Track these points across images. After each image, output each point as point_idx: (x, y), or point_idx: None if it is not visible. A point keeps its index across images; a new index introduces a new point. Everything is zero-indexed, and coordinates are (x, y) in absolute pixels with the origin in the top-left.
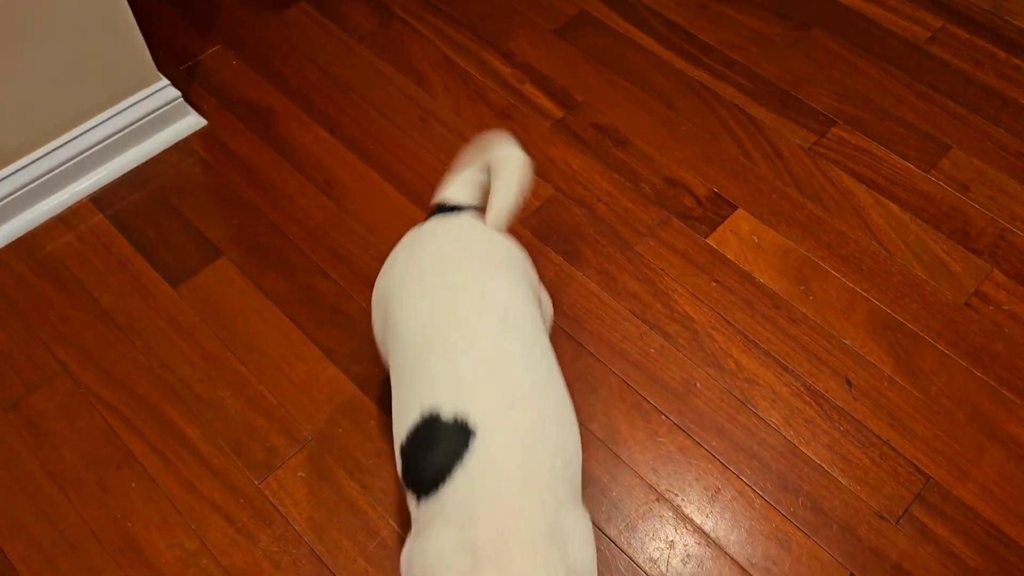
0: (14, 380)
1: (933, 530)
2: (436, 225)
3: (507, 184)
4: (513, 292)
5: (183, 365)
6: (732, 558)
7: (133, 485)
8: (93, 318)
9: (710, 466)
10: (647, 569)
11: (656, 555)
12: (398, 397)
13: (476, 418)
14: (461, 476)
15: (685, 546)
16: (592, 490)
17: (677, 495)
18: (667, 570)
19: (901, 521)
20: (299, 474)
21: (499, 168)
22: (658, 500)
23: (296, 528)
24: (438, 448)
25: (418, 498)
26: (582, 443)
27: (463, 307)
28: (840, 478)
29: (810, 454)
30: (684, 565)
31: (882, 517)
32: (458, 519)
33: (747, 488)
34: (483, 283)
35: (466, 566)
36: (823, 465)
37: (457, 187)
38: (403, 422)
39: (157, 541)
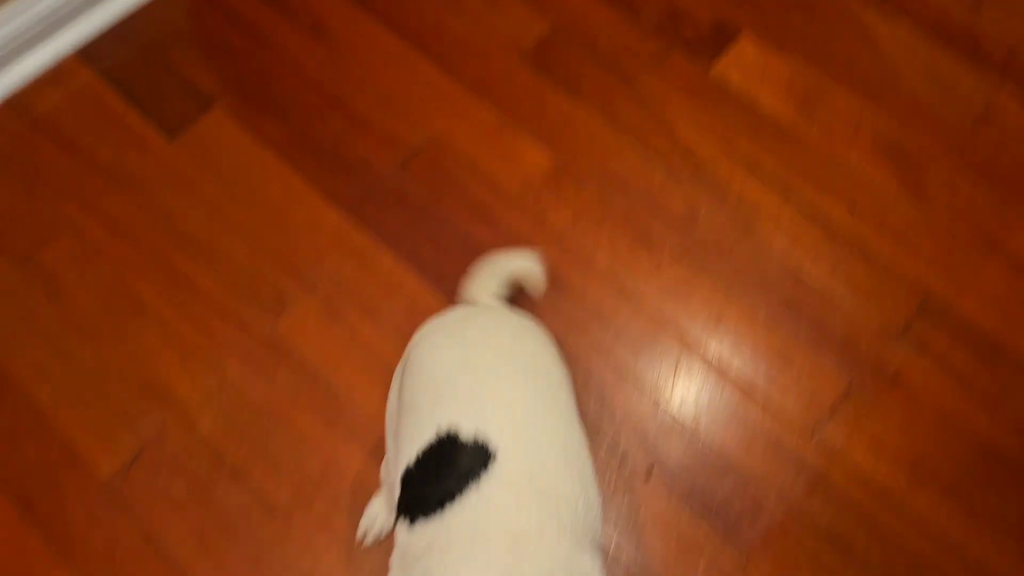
0: (22, 236)
1: (933, 343)
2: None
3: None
4: (546, 353)
5: (186, 215)
6: (735, 377)
7: (150, 331)
8: (92, 174)
9: (715, 292)
10: (653, 392)
11: (662, 378)
12: (408, 425)
13: (498, 442)
14: (475, 496)
15: (690, 368)
16: (597, 319)
17: (681, 321)
18: (672, 392)
19: (902, 335)
20: (311, 314)
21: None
22: (664, 327)
23: (312, 364)
24: (453, 466)
25: (412, 521)
26: (587, 279)
27: (494, 355)
28: (842, 297)
29: (813, 275)
30: (689, 386)
31: (883, 332)
32: (466, 539)
33: (751, 311)
34: (516, 342)
35: None
36: (826, 285)
37: (479, 287)
38: (413, 444)
39: (179, 382)
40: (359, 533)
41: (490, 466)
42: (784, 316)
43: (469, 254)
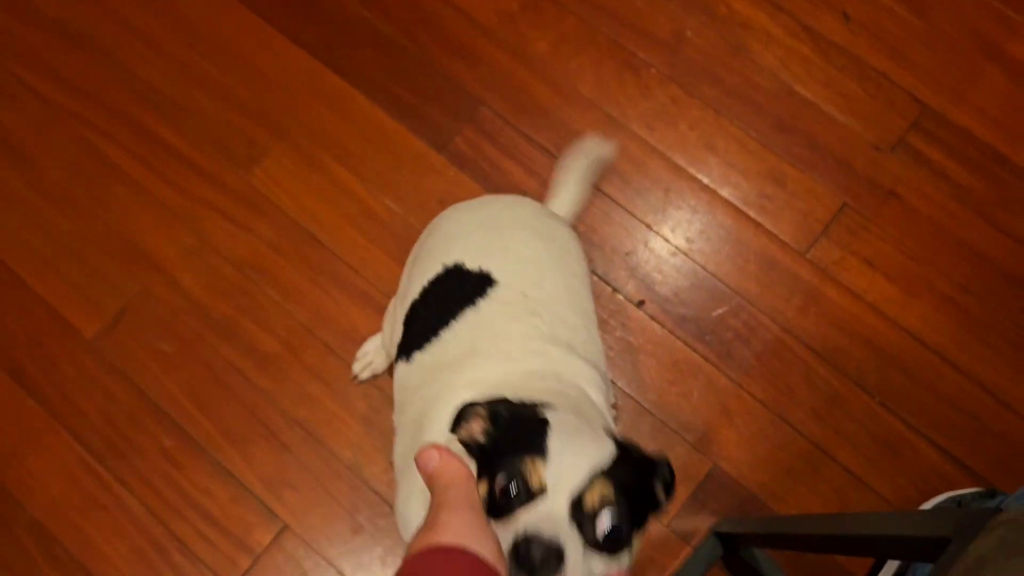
0: None
1: (928, 155)
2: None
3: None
4: (567, 235)
5: (148, 70)
6: (727, 200)
7: (121, 192)
8: (42, 30)
9: (704, 115)
10: (645, 219)
11: (653, 204)
12: (417, 272)
13: (500, 275)
14: (472, 315)
15: (681, 194)
16: None
17: (671, 146)
18: (664, 217)
19: (896, 149)
20: (286, 164)
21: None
22: (651, 153)
23: (291, 215)
24: (455, 292)
25: (408, 357)
26: (572, 109)
27: (511, 222)
28: (836, 114)
29: (805, 93)
30: (679, 211)
31: (877, 147)
32: (462, 354)
33: (741, 132)
34: (537, 219)
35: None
36: (818, 103)
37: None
38: (420, 282)
39: (157, 242)
40: (355, 368)
41: (489, 292)
42: (776, 137)
43: (448, 93)
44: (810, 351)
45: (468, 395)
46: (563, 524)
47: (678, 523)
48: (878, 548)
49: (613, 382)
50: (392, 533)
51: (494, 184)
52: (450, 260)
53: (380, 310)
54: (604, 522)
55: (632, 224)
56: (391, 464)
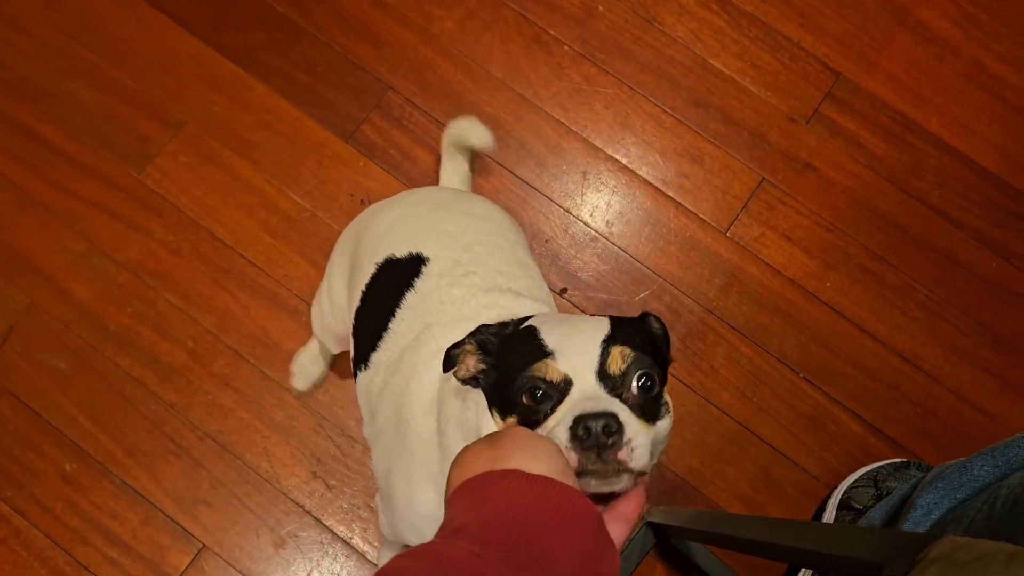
0: None
1: (842, 125)
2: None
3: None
4: (491, 207)
5: (19, 59)
6: (645, 180)
7: None
8: None
9: (618, 92)
10: (563, 204)
11: (571, 188)
12: (355, 280)
13: (429, 253)
14: (411, 297)
15: (598, 175)
16: (499, 133)
17: (586, 126)
18: (583, 201)
19: (811, 121)
20: (181, 159)
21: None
22: (567, 134)
23: (189, 214)
24: (391, 285)
25: (365, 363)
26: (482, 90)
27: (434, 206)
28: (750, 86)
29: (719, 66)
30: (599, 194)
31: (792, 119)
32: (413, 332)
33: (657, 109)
34: (458, 198)
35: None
36: (733, 75)
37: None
38: (359, 288)
39: (41, 249)
40: (292, 382)
41: (422, 269)
42: (691, 113)
43: (352, 77)
44: (733, 331)
45: (436, 365)
46: (603, 396)
47: None
48: (810, 561)
49: None
50: (317, 546)
51: (406, 173)
52: (380, 257)
53: (291, 311)
54: (634, 377)
55: (551, 209)
56: (313, 474)
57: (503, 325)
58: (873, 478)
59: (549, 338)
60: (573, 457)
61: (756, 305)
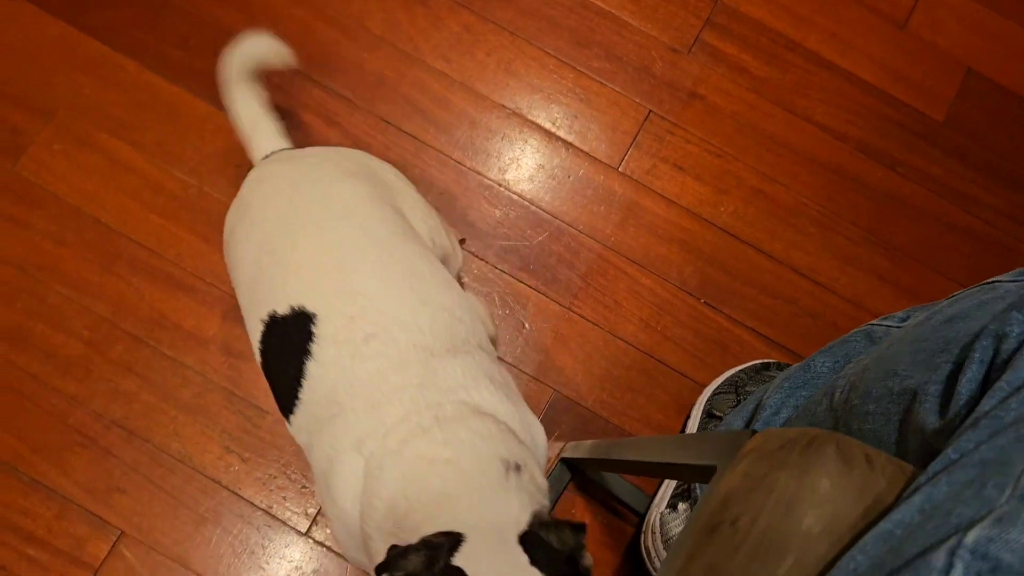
0: None
1: (724, 51)
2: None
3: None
4: (356, 192)
5: None
6: (534, 123)
7: None
8: None
9: (500, 39)
10: (453, 156)
11: (460, 139)
12: (247, 317)
13: (313, 306)
14: (314, 367)
15: (487, 124)
16: (383, 90)
17: (470, 76)
18: (474, 152)
19: (692, 49)
20: (55, 147)
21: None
22: (452, 85)
23: (71, 202)
24: (285, 347)
25: (287, 419)
26: (362, 49)
27: (292, 221)
28: (630, 20)
29: (598, 2)
30: (488, 143)
31: (674, 50)
32: (328, 416)
33: (539, 52)
34: (327, 188)
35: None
36: (612, 10)
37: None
38: (252, 331)
39: None
40: None
41: (313, 330)
42: (574, 53)
43: (224, 46)
44: (633, 264)
45: (357, 459)
46: None
47: None
48: (666, 472)
49: None
50: (238, 519)
51: (294, 140)
52: (262, 312)
53: (188, 289)
54: None
55: (442, 161)
56: (226, 449)
57: (430, 557)
58: (734, 384)
59: None
60: None
61: (653, 236)
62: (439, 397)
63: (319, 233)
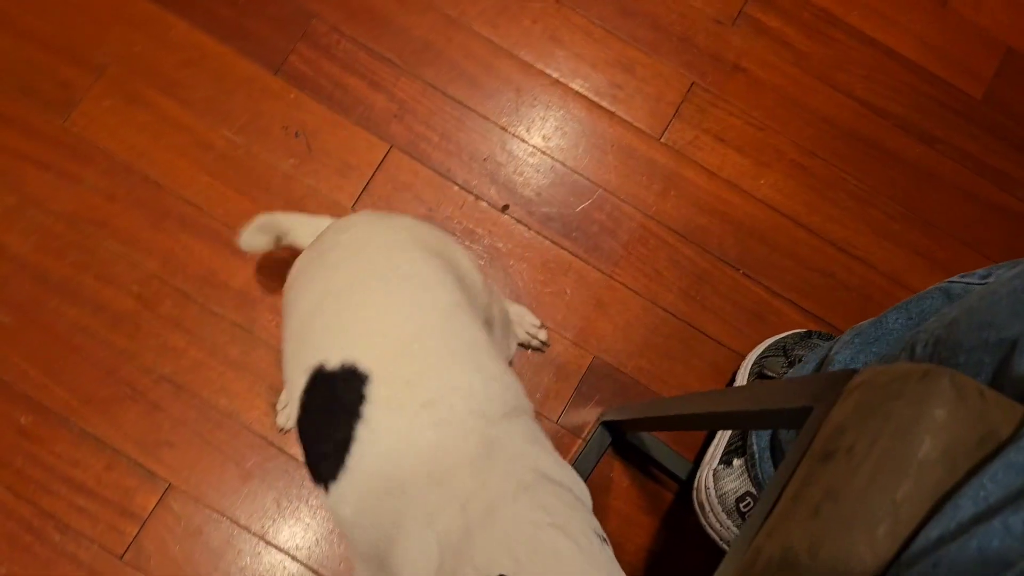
0: None
1: (767, 24)
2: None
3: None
4: (429, 263)
5: None
6: (578, 93)
7: None
8: None
9: (545, 6)
10: (499, 122)
11: (505, 106)
12: (289, 370)
13: (367, 362)
14: (364, 431)
15: (532, 92)
16: (429, 55)
17: (516, 43)
18: (518, 118)
19: (737, 22)
20: (105, 103)
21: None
22: (497, 52)
23: (121, 158)
24: (333, 405)
25: (326, 488)
26: (408, 14)
27: (349, 278)
28: None
29: None
30: (533, 110)
31: (718, 21)
32: (384, 489)
33: (585, 21)
34: (404, 253)
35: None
36: None
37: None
38: (295, 384)
39: None
40: (279, 421)
41: (365, 391)
42: (620, 22)
43: (274, 6)
44: (674, 233)
45: (429, 536)
46: None
47: (567, 419)
48: (746, 421)
49: None
50: (283, 475)
51: (339, 103)
52: (312, 360)
53: (235, 248)
54: None
55: (486, 128)
56: (272, 406)
57: None
58: (782, 347)
59: None
60: None
61: (694, 207)
62: (511, 465)
63: (387, 293)
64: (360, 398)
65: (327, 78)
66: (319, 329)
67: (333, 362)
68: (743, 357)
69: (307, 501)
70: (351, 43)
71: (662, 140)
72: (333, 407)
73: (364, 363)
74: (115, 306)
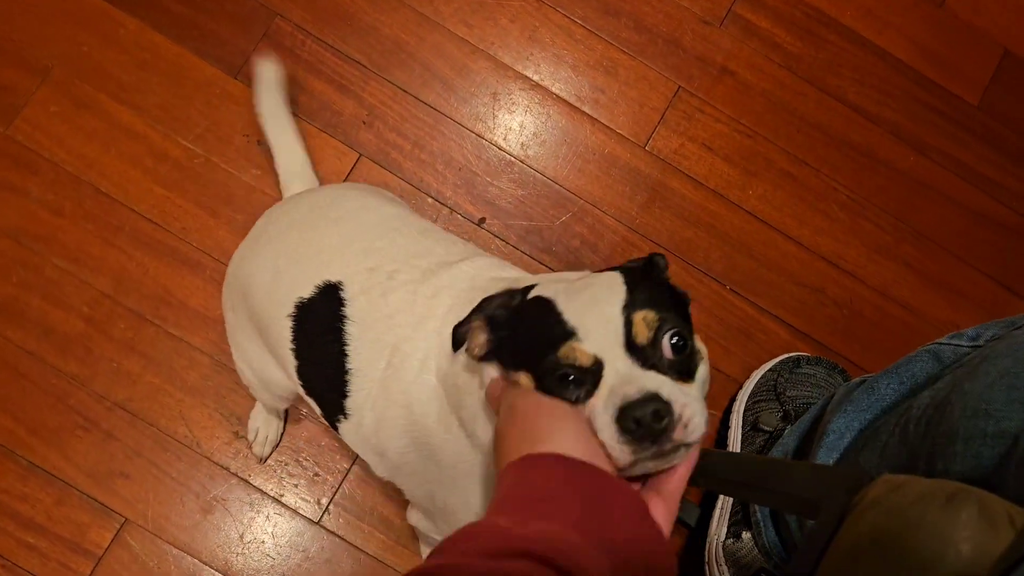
0: None
1: (756, 24)
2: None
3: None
4: (365, 192)
5: None
6: (558, 97)
7: None
8: None
9: (524, 4)
10: (473, 128)
11: (481, 111)
12: (272, 338)
13: (337, 276)
14: (353, 328)
15: (509, 95)
16: (400, 56)
17: (493, 43)
18: (495, 124)
19: (724, 22)
20: (51, 109)
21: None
22: (473, 53)
23: (68, 169)
24: (320, 325)
25: (344, 412)
26: (379, 12)
27: (317, 223)
28: None
29: None
30: (511, 115)
31: (706, 22)
32: (381, 359)
33: (566, 20)
34: (344, 200)
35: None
36: None
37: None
38: (285, 346)
39: None
40: (255, 450)
41: (344, 296)
42: (602, 22)
43: (233, 3)
44: (658, 247)
45: (430, 376)
46: (638, 374)
47: None
48: (747, 493)
49: None
50: (247, 507)
51: (305, 108)
52: (289, 308)
53: (194, 265)
54: (665, 340)
55: (462, 135)
56: (235, 435)
57: (508, 295)
58: (772, 388)
59: (567, 312)
60: (627, 452)
61: (679, 219)
62: (472, 281)
63: (336, 226)
64: (340, 303)
65: (291, 82)
66: (285, 283)
67: (307, 292)
68: (729, 378)
69: (272, 533)
70: (317, 43)
71: (646, 148)
72: (322, 330)
73: (333, 275)
74: (64, 329)
